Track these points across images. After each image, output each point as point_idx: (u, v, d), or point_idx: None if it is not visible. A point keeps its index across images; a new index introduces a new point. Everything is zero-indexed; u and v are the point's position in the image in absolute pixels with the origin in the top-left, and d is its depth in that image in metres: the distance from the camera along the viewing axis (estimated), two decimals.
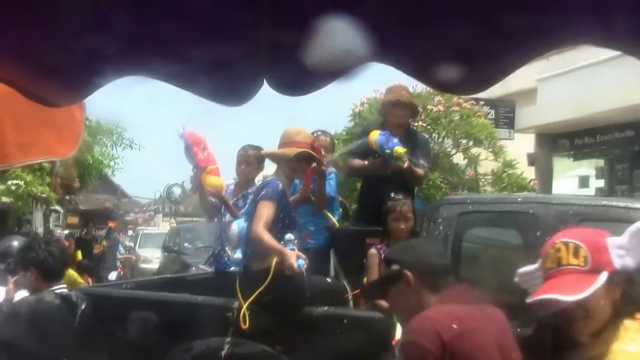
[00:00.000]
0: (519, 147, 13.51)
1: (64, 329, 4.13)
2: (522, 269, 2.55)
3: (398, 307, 2.81)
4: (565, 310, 2.25)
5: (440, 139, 11.31)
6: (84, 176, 13.05)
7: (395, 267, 2.72)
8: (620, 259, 2.24)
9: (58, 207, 11.53)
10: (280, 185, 4.88)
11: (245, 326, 4.51)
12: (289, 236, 4.71)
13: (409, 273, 2.64)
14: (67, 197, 13.33)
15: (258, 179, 6.36)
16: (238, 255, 4.95)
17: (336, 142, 11.16)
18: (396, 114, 5.82)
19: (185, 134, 5.68)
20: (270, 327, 4.65)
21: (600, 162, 14.71)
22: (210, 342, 4.76)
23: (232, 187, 6.14)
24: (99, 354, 4.96)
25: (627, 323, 2.24)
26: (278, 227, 4.79)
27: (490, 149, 11.37)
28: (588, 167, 15.15)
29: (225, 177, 6.16)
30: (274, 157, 5.17)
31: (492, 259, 4.79)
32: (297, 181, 5.70)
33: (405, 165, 5.37)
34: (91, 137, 13.75)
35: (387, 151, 5.37)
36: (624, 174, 13.94)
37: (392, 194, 5.09)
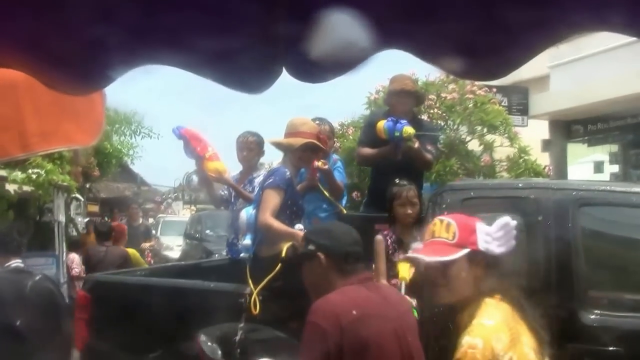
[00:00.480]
0: (533, 133, 13.52)
1: (14, 297, 4.31)
2: (414, 244, 3.23)
3: (308, 283, 3.06)
4: (430, 275, 2.69)
5: (456, 126, 11.37)
6: (104, 165, 13.18)
7: (311, 247, 2.99)
8: (486, 243, 2.64)
9: (79, 195, 11.70)
10: (288, 173, 4.93)
11: (255, 312, 4.54)
12: (299, 226, 4.79)
13: (321, 255, 2.92)
14: (87, 186, 13.50)
15: (260, 164, 6.43)
16: (247, 241, 5.00)
17: (352, 129, 11.34)
18: (401, 102, 5.87)
19: (181, 131, 5.73)
20: (281, 312, 4.65)
21: (614, 148, 14.78)
22: (223, 327, 4.78)
23: (237, 176, 6.19)
24: (114, 341, 5.12)
25: (488, 300, 2.58)
26: (286, 214, 4.86)
27: (505, 135, 11.41)
28: (602, 153, 15.22)
29: (237, 165, 6.25)
30: (280, 146, 5.21)
31: None
32: (303, 170, 5.74)
33: (416, 145, 5.44)
34: (110, 126, 13.92)
35: (397, 133, 5.40)
36: (637, 158, 14.04)
37: (397, 180, 5.11)
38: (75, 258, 9.79)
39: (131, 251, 9.47)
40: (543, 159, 13.05)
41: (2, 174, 10.50)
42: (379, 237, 4.82)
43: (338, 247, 2.93)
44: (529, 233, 4.34)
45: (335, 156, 6.17)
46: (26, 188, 11.12)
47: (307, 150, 5.03)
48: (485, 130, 11.32)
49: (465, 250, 2.63)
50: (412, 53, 1.85)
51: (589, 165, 15.26)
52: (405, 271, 4.51)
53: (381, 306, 2.86)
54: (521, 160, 11.22)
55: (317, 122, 5.93)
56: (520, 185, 5.05)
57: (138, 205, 9.68)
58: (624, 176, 13.73)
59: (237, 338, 4.56)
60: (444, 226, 2.72)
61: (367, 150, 5.99)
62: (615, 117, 13.67)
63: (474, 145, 11.50)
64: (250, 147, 6.06)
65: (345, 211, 5.91)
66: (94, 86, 2.19)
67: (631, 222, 4.50)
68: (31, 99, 3.73)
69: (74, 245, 10.46)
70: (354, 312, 2.69)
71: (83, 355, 5.33)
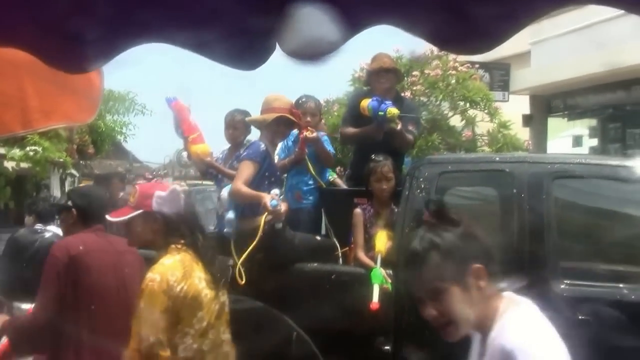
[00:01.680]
0: (514, 109, 13.79)
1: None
2: None
3: (66, 232, 4.16)
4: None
5: (438, 102, 11.62)
6: (98, 143, 13.39)
7: (69, 203, 4.09)
8: (158, 205, 3.32)
9: (74, 172, 11.98)
10: (263, 146, 5.05)
11: (242, 282, 4.65)
12: (275, 191, 4.95)
13: (74, 210, 4.00)
14: (82, 163, 13.74)
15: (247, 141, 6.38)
16: (230, 216, 5.06)
17: (337, 106, 11.59)
18: (380, 80, 5.91)
19: (172, 104, 5.79)
20: (263, 283, 4.77)
21: (593, 122, 15.07)
22: None
23: (226, 152, 6.23)
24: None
25: (172, 247, 3.25)
26: (264, 184, 4.95)
27: (486, 111, 11.64)
28: (582, 127, 15.50)
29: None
30: (255, 123, 5.39)
31: (471, 216, 4.80)
32: (291, 144, 5.95)
33: (399, 127, 5.52)
34: (104, 104, 14.15)
35: (381, 113, 5.47)
36: (616, 133, 14.31)
37: (374, 156, 5.25)
38: None
39: None
40: (524, 134, 13.38)
41: (0, 152, 10.80)
42: (358, 210, 5.09)
43: (86, 206, 4.00)
44: (505, 205, 4.50)
45: (321, 132, 6.25)
46: (24, 165, 11.40)
47: (280, 125, 5.16)
48: (467, 105, 11.58)
49: (139, 211, 3.35)
50: (401, 28, 1.84)
51: (568, 140, 15.53)
52: (382, 244, 4.74)
53: (104, 246, 3.84)
54: (500, 135, 11.51)
55: (304, 98, 6.06)
56: (496, 159, 5.19)
57: (119, 179, 9.84)
58: (602, 150, 13.99)
59: None
60: (132, 193, 3.51)
61: (350, 130, 6.04)
62: (594, 92, 13.94)
63: (455, 121, 11.79)
64: (236, 126, 6.02)
65: (325, 185, 6.02)
66: (93, 64, 2.18)
67: (603, 194, 4.61)
68: (33, 78, 3.81)
69: None
70: (81, 247, 3.72)
71: None
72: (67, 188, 13.02)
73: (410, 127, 5.80)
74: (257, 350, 4.54)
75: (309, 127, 5.71)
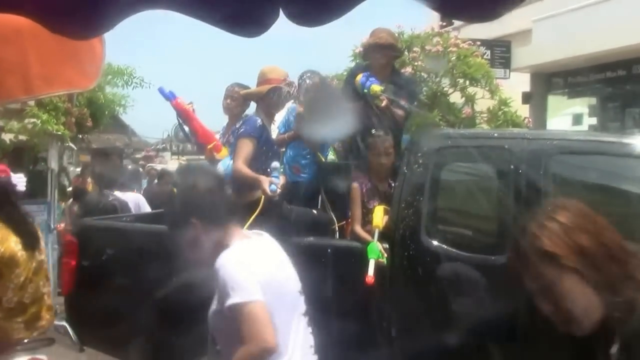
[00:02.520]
0: (515, 86, 13.78)
1: None
2: None
3: None
4: None
5: (438, 79, 11.60)
6: (97, 116, 13.35)
7: None
8: None
9: (72, 145, 11.95)
10: (259, 120, 5.06)
11: None
12: (275, 164, 4.96)
13: None
14: (80, 136, 13.70)
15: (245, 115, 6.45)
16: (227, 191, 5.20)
17: (336, 82, 11.54)
18: (377, 55, 5.97)
19: (173, 102, 5.82)
20: None
21: (593, 101, 15.09)
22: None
23: (224, 127, 6.34)
24: (99, 285, 5.16)
25: None
26: (262, 159, 4.99)
27: (486, 88, 11.61)
28: (581, 105, 15.50)
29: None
30: (251, 95, 5.40)
31: (468, 190, 4.87)
32: (292, 119, 6.00)
33: (383, 104, 5.58)
34: (103, 77, 14.08)
35: (365, 90, 5.58)
36: (615, 111, 14.34)
37: (374, 131, 5.28)
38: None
39: None
40: (524, 111, 13.37)
41: None
42: (355, 184, 5.10)
43: None
44: (502, 181, 4.49)
45: None
46: (22, 137, 11.39)
47: (276, 96, 5.17)
48: (467, 82, 11.55)
49: None
50: None
51: (568, 118, 15.53)
52: (379, 218, 4.76)
53: None
54: (501, 112, 11.48)
55: (308, 74, 6.13)
56: (495, 134, 5.13)
57: (117, 155, 9.87)
58: (602, 128, 14.02)
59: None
60: None
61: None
62: (595, 71, 13.94)
63: (455, 98, 11.77)
64: (234, 97, 6.16)
65: (324, 159, 6.09)
66: (96, 31, 2.21)
67: (602, 170, 4.57)
68: (35, 44, 3.82)
69: (76, 194, 10.68)
70: None
71: (67, 299, 5.45)
72: (65, 161, 12.99)
73: (402, 102, 5.81)
74: None
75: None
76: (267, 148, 5.06)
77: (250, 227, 4.65)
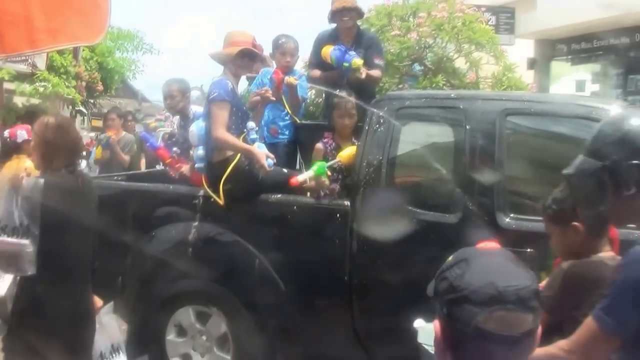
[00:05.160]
0: (519, 52, 13.83)
1: None
2: None
3: None
4: None
5: (444, 44, 11.67)
6: (107, 80, 13.52)
7: None
8: None
9: (83, 109, 12.13)
10: (229, 83, 5.09)
11: (222, 203, 4.90)
12: (251, 124, 5.17)
13: None
14: (92, 101, 13.87)
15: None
16: (201, 152, 5.21)
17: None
18: (343, 19, 6.19)
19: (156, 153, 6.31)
20: (232, 213, 4.97)
21: (597, 67, 15.13)
22: (179, 227, 5.10)
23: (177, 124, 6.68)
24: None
25: None
26: (232, 119, 5.05)
27: (491, 54, 11.69)
28: (585, 72, 15.56)
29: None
30: (219, 57, 5.31)
31: (426, 150, 4.97)
32: (266, 81, 6.12)
33: (363, 75, 5.79)
34: (112, 42, 14.23)
35: (346, 64, 5.78)
36: (618, 78, 14.40)
37: (338, 92, 5.48)
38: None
39: None
40: (528, 77, 13.47)
41: (10, 87, 10.94)
42: (319, 145, 5.33)
43: None
44: (458, 140, 4.63)
45: (300, 71, 6.51)
46: (33, 101, 11.56)
47: (244, 58, 5.22)
48: (472, 48, 11.64)
49: None
50: None
51: (571, 84, 15.61)
52: (347, 155, 5.10)
53: None
54: (505, 78, 11.58)
55: (283, 39, 6.31)
56: (452, 95, 5.21)
57: (116, 116, 9.95)
58: (604, 95, 14.12)
59: (190, 236, 4.96)
60: None
61: (317, 73, 6.30)
62: (598, 38, 13.98)
63: (460, 63, 11.87)
64: (173, 95, 6.46)
65: (299, 121, 6.28)
66: None
67: (551, 130, 4.72)
68: None
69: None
70: None
71: None
72: (77, 126, 13.15)
73: (376, 61, 6.07)
74: (223, 276, 4.94)
75: (292, 77, 5.93)
76: (236, 109, 5.12)
77: (224, 185, 4.90)
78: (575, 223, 2.83)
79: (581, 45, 14.56)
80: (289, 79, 5.88)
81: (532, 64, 14.89)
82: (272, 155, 5.04)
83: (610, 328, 2.19)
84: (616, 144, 2.28)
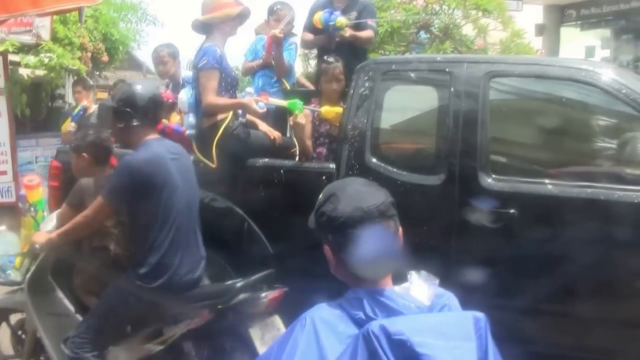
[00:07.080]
0: (528, 18, 13.71)
1: None
2: None
3: None
4: None
5: (451, 11, 11.57)
6: (111, 51, 13.50)
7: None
8: None
9: (88, 80, 12.09)
10: (218, 50, 4.98)
11: (214, 165, 4.86)
12: (249, 89, 5.21)
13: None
14: (97, 73, 13.85)
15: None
16: (191, 119, 5.24)
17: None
18: None
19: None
20: (221, 178, 4.98)
21: (606, 33, 14.98)
22: None
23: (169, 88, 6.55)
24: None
25: None
26: (222, 86, 4.99)
27: (499, 20, 11.59)
28: (594, 37, 15.41)
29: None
30: (216, 19, 5.11)
31: (411, 113, 5.07)
32: (260, 48, 6.19)
33: (347, 34, 5.85)
34: (116, 13, 14.20)
35: (331, 23, 5.82)
36: (628, 44, 14.27)
37: (325, 57, 5.49)
38: None
39: None
40: (537, 44, 13.35)
41: (15, 59, 10.91)
42: (306, 111, 5.24)
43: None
44: (442, 103, 4.66)
45: (292, 39, 6.51)
46: (38, 73, 11.55)
47: (236, 19, 5.13)
48: (479, 14, 11.53)
49: None
50: None
51: (580, 50, 15.48)
52: (330, 111, 5.17)
53: None
54: (513, 44, 11.48)
55: (279, 5, 6.34)
56: (438, 59, 5.22)
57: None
58: (614, 61, 14.00)
59: None
60: None
61: (309, 36, 6.31)
62: (608, 3, 13.86)
63: (468, 30, 11.76)
64: (164, 61, 6.48)
65: (289, 87, 6.31)
66: None
67: (535, 92, 4.77)
68: None
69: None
70: None
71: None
72: None
73: (369, 22, 6.08)
74: (213, 240, 4.75)
75: (278, 31, 5.94)
76: (225, 75, 5.05)
77: (215, 149, 4.86)
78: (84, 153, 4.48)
79: (591, 11, 14.41)
80: (274, 31, 5.90)
81: (540, 30, 14.75)
82: (261, 99, 5.02)
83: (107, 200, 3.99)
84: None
